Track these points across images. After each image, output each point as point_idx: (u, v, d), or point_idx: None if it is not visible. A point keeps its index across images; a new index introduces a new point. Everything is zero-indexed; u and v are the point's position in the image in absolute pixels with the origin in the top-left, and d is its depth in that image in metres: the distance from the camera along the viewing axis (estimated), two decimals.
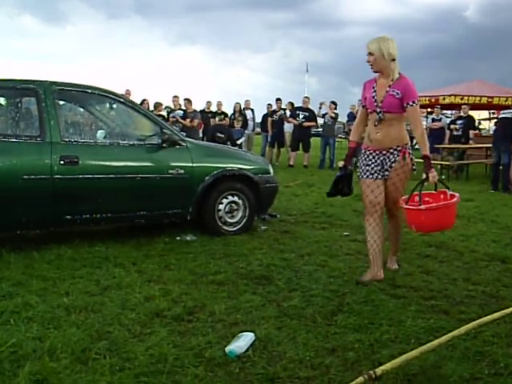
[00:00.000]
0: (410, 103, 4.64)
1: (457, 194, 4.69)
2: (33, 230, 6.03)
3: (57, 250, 5.69)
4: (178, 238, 6.48)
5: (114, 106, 6.76)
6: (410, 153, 4.86)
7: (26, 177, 5.45)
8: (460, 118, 16.68)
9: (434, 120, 17.40)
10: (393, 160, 4.82)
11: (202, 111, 17.35)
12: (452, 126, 16.51)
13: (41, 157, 5.52)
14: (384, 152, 4.84)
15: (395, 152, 4.81)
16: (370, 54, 4.69)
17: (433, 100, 20.33)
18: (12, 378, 2.95)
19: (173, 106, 16.19)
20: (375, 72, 4.82)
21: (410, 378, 3.01)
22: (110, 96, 6.43)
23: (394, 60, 4.66)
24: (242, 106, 17.98)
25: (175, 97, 16.01)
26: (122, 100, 6.56)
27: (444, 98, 20.15)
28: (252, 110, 18.66)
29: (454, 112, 20.47)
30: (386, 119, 4.73)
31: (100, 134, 6.36)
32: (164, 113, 16.00)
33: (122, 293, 4.50)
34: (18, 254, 5.50)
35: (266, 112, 18.68)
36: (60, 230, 6.23)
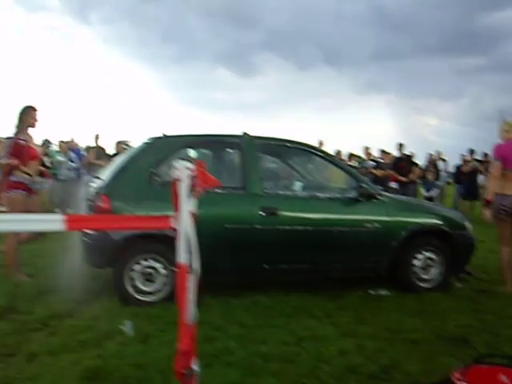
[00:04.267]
0: None
1: None
2: (232, 276, 6.28)
3: (253, 297, 5.88)
4: (371, 291, 6.43)
5: (312, 159, 6.95)
6: None
7: (228, 226, 5.75)
8: None
9: None
10: None
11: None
12: None
13: (243, 207, 5.80)
14: None
15: None
16: None
17: None
18: None
19: (364, 156, 16.21)
20: None
21: None
22: (308, 149, 6.62)
23: None
24: (434, 157, 17.52)
25: (367, 148, 16.03)
26: (319, 153, 6.72)
27: None
28: (444, 160, 18.13)
29: None
30: None
31: (298, 186, 6.54)
32: (355, 163, 16.07)
33: (316, 345, 4.54)
34: (217, 300, 5.76)
35: (458, 162, 18.02)
36: (257, 278, 6.41)
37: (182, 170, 2.59)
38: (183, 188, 2.57)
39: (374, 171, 14.91)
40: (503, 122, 6.61)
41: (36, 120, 6.90)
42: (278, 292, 6.09)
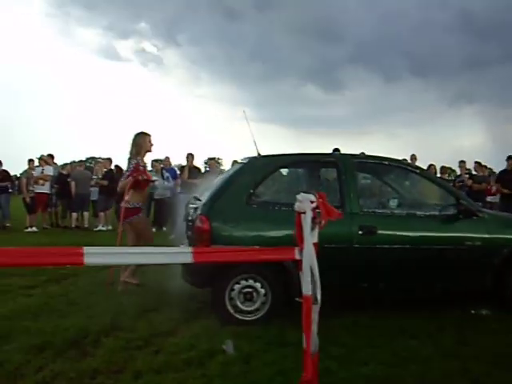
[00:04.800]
0: None
1: None
2: (331, 296, 6.21)
3: (353, 317, 5.84)
4: (472, 311, 6.24)
5: (408, 175, 6.86)
6: None
7: (326, 245, 5.73)
8: None
9: None
10: None
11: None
12: None
13: (341, 227, 5.78)
14: None
15: None
16: None
17: None
18: None
19: (458, 171, 15.81)
20: None
21: None
22: (404, 166, 6.55)
23: None
24: None
25: (462, 162, 15.60)
26: (415, 170, 6.63)
27: None
28: None
29: None
30: None
31: (395, 203, 6.45)
32: (449, 177, 15.71)
33: (419, 367, 4.45)
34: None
35: None
36: (354, 296, 6.35)
37: (305, 203, 2.64)
38: (307, 220, 2.61)
39: (471, 185, 14.48)
40: None
41: (152, 144, 7.25)
42: (377, 311, 6.03)
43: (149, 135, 7.22)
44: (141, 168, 7.13)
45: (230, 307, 5.68)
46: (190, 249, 2.74)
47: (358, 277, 5.90)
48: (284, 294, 5.63)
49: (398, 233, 6.01)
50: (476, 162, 15.38)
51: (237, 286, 5.68)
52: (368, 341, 5.12)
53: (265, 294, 5.71)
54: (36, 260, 3.25)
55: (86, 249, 3.15)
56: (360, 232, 5.82)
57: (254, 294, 5.69)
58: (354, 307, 6.15)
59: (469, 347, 5.01)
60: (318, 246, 2.91)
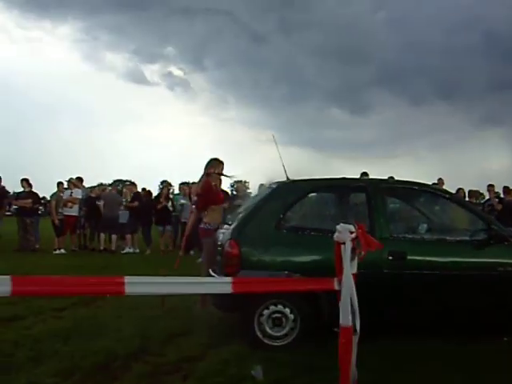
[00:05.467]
0: None
1: None
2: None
3: (383, 341, 5.75)
4: (505, 338, 6.11)
5: (438, 200, 6.81)
6: None
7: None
8: None
9: None
10: None
11: None
12: None
13: (371, 252, 5.73)
14: None
15: None
16: None
17: None
18: None
19: (487, 195, 15.66)
20: None
21: None
22: (435, 191, 6.53)
23: None
24: None
25: (491, 185, 15.45)
26: (445, 195, 6.59)
27: None
28: None
29: None
30: None
31: (425, 229, 6.40)
32: (477, 201, 15.55)
33: None
34: None
35: None
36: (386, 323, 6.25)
37: (344, 233, 2.64)
38: (346, 251, 2.61)
39: (500, 209, 14.33)
40: None
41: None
42: (407, 337, 5.94)
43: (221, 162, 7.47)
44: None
45: (258, 332, 5.66)
46: (229, 279, 2.75)
47: (387, 302, 5.84)
48: (313, 320, 5.60)
49: (429, 258, 5.95)
50: (505, 187, 15.24)
51: (266, 311, 5.66)
52: (397, 366, 5.05)
53: (294, 320, 5.68)
54: (78, 289, 3.30)
55: (127, 278, 3.18)
56: (390, 257, 5.78)
57: (283, 319, 5.67)
58: (385, 333, 6.09)
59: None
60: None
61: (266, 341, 5.66)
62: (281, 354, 5.38)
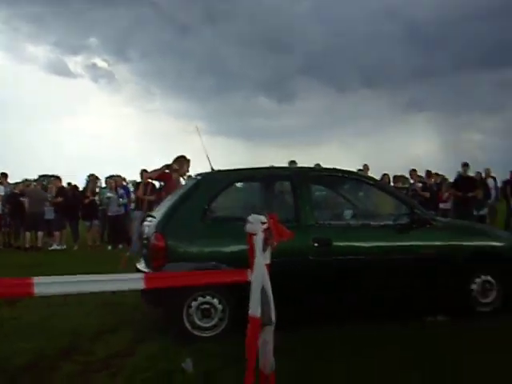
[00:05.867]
0: None
1: None
2: (288, 310, 6.13)
3: (309, 329, 5.82)
4: (428, 318, 6.30)
5: (362, 186, 6.94)
6: None
7: (282, 259, 5.71)
8: None
9: None
10: None
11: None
12: None
13: (296, 240, 5.78)
14: None
15: None
16: None
17: None
18: None
19: (411, 180, 16.05)
20: None
21: None
22: (359, 178, 6.62)
23: None
24: (483, 175, 17.12)
25: (413, 170, 15.83)
26: (369, 181, 6.71)
27: None
28: (494, 178, 17.73)
29: None
30: None
31: (350, 215, 6.51)
32: (404, 185, 15.92)
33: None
34: None
35: (507, 178, 17.56)
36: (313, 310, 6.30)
37: (255, 224, 2.62)
38: (258, 241, 2.59)
39: (423, 193, 14.75)
40: None
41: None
42: (334, 323, 6.03)
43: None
44: None
45: (187, 324, 5.62)
46: (140, 275, 2.71)
47: (314, 289, 5.90)
48: (242, 310, 5.60)
49: (354, 244, 6.06)
50: (427, 171, 15.68)
51: (194, 303, 5.62)
52: (323, 354, 5.11)
53: (222, 310, 5.67)
54: None
55: (36, 279, 3.08)
56: (315, 244, 5.84)
57: (212, 310, 5.65)
58: (308, 323, 6.16)
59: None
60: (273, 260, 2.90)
61: (195, 332, 5.63)
62: (210, 345, 5.36)
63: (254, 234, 2.64)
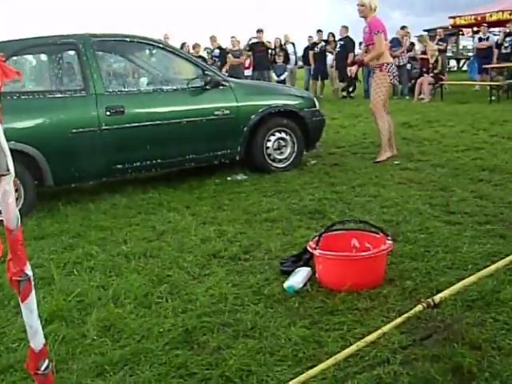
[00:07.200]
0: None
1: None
2: (86, 182, 6.09)
3: (111, 199, 5.83)
4: (228, 178, 6.56)
5: (155, 52, 6.76)
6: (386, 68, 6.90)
7: (74, 131, 5.51)
8: (509, 34, 15.57)
9: (480, 39, 16.73)
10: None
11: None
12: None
13: (87, 110, 5.57)
14: None
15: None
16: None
17: (479, 18, 19.59)
18: (81, 326, 3.07)
19: (212, 47, 16.06)
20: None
21: (469, 304, 2.98)
22: (150, 43, 6.41)
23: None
24: (283, 41, 17.57)
25: (213, 36, 15.82)
26: (161, 46, 6.53)
27: (491, 15, 19.35)
28: (293, 44, 18.25)
29: (501, 30, 19.44)
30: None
31: (143, 82, 6.37)
32: (204, 54, 15.92)
33: (178, 236, 4.57)
34: (74, 207, 5.66)
35: (307, 45, 18.22)
36: (112, 179, 6.31)
37: None
38: None
39: (231, 59, 15.03)
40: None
41: None
42: (135, 191, 6.08)
43: None
44: None
45: None
46: None
47: (111, 159, 5.79)
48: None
49: (147, 110, 5.96)
50: (231, 37, 15.85)
51: None
52: (127, 220, 5.13)
53: None
54: None
55: None
56: (107, 113, 5.66)
57: None
58: (112, 190, 6.12)
59: (225, 212, 5.24)
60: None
61: None
62: None
63: None
